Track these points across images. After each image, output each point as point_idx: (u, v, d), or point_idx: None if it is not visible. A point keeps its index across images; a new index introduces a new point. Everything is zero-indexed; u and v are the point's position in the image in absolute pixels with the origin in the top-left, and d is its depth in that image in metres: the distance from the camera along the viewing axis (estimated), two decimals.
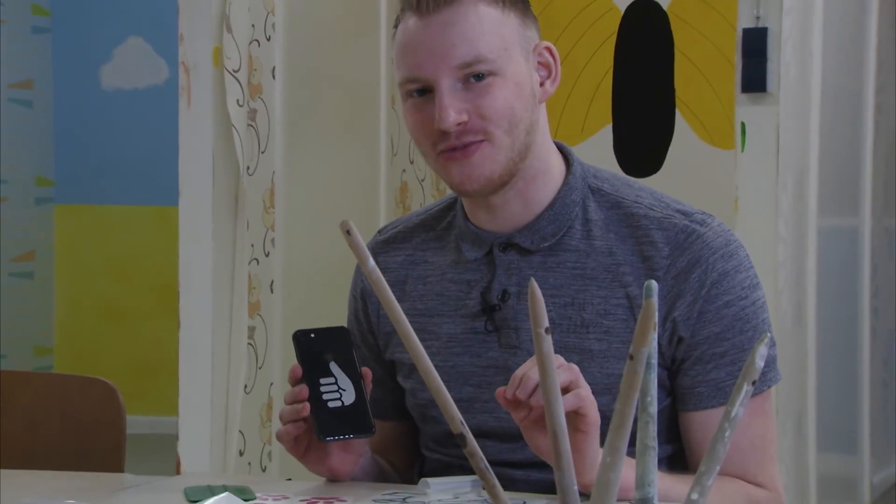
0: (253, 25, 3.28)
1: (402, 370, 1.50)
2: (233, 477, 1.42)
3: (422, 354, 0.74)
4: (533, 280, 0.71)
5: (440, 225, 1.51)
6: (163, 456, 3.54)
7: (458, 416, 0.74)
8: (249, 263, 3.30)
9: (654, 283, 0.72)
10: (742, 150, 3.16)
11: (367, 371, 1.37)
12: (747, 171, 3.16)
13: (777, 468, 1.43)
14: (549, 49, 1.45)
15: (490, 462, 1.15)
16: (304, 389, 1.33)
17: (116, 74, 5.46)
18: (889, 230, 4.42)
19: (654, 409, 0.72)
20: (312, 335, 1.35)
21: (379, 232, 1.58)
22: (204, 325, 3.22)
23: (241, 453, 2.97)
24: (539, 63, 1.43)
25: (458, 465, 1.42)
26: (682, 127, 3.94)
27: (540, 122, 1.43)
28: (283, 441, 1.36)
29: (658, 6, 3.91)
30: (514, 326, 1.42)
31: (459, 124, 1.37)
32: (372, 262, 0.75)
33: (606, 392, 1.37)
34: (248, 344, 3.31)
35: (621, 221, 1.42)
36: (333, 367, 1.34)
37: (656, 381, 0.73)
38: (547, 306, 1.41)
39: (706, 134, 3.90)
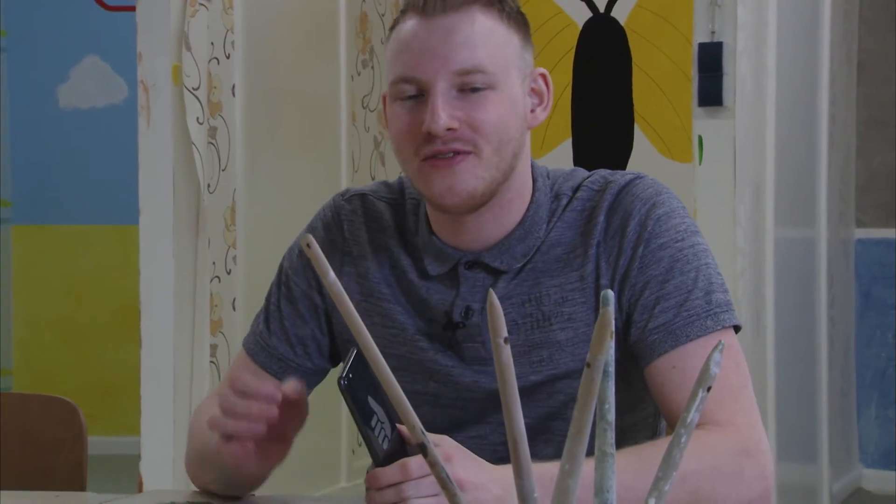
0: (212, 43, 3.27)
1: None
2: (198, 494, 1.42)
3: (385, 369, 0.74)
4: (491, 290, 0.72)
5: (406, 223, 1.47)
6: (125, 476, 3.52)
7: (419, 425, 0.75)
8: (211, 281, 3.30)
9: (610, 293, 0.73)
10: (700, 163, 3.19)
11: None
12: (705, 183, 3.19)
13: (742, 403, 1.35)
14: (543, 76, 1.43)
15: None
16: (275, 392, 1.23)
17: (74, 94, 5.43)
18: (844, 241, 4.47)
19: (611, 416, 0.73)
20: (351, 375, 1.19)
21: (341, 195, 1.52)
22: (166, 344, 3.20)
23: None
24: (532, 89, 1.42)
25: None
26: (640, 140, 3.96)
27: (525, 147, 1.41)
28: (223, 426, 1.23)
29: (615, 21, 3.94)
30: (482, 340, 1.41)
31: (449, 130, 1.34)
32: (332, 275, 0.75)
33: (579, 376, 1.38)
34: (211, 362, 3.30)
35: (573, 212, 1.42)
36: (371, 402, 1.21)
37: (614, 388, 0.74)
38: (505, 310, 1.41)
39: (664, 147, 3.92)
